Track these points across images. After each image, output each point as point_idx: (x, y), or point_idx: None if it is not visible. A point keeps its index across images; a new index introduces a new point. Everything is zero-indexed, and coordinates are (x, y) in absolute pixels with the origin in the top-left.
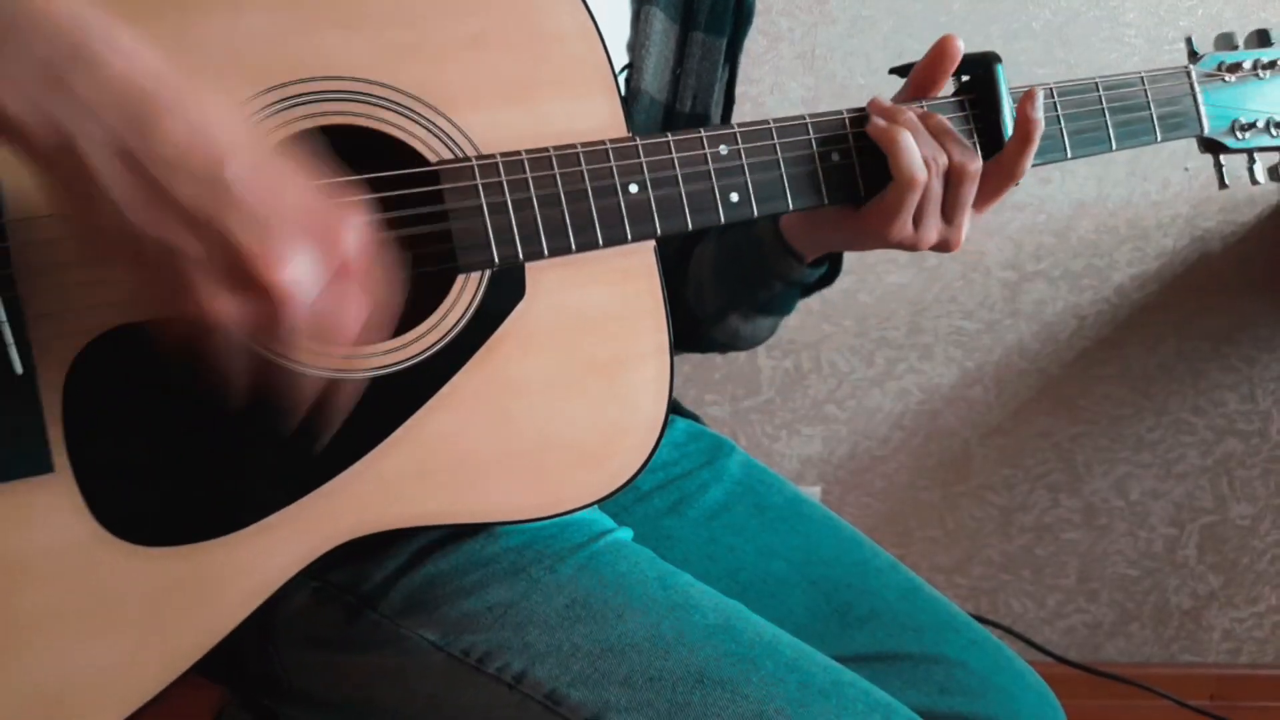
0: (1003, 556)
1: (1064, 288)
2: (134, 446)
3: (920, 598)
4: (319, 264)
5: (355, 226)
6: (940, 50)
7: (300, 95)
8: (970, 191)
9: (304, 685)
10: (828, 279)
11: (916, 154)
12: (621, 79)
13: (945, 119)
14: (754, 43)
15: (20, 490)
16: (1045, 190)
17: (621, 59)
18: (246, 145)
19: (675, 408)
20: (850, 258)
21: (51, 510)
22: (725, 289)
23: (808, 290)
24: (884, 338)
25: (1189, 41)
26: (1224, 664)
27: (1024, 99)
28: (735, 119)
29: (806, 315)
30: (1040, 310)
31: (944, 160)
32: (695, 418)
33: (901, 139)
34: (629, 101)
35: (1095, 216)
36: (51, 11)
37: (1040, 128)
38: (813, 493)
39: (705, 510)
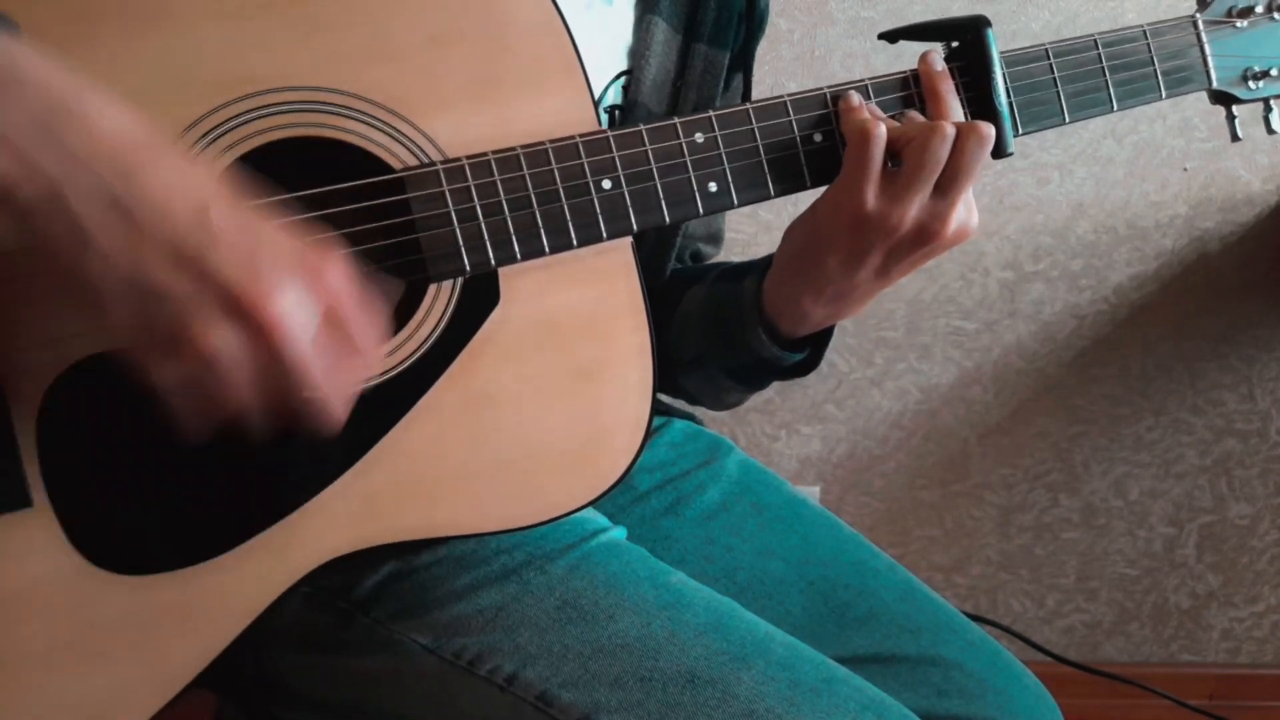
0: (1001, 556)
1: (1062, 288)
2: (112, 476)
3: (918, 598)
4: (308, 297)
5: (336, 262)
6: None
7: (256, 109)
8: (942, 154)
9: (301, 688)
10: (804, 367)
11: (863, 110)
12: (619, 86)
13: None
14: None
15: None
16: (1044, 191)
17: (621, 64)
18: (225, 193)
19: (672, 408)
20: None
21: (32, 545)
22: (704, 340)
23: (783, 375)
24: (882, 338)
25: None
26: (1223, 663)
27: (920, 62)
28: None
29: None
30: (1039, 310)
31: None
32: (693, 418)
33: (852, 96)
34: (626, 111)
35: (1094, 217)
36: (38, 70)
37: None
38: (811, 492)
39: (703, 510)
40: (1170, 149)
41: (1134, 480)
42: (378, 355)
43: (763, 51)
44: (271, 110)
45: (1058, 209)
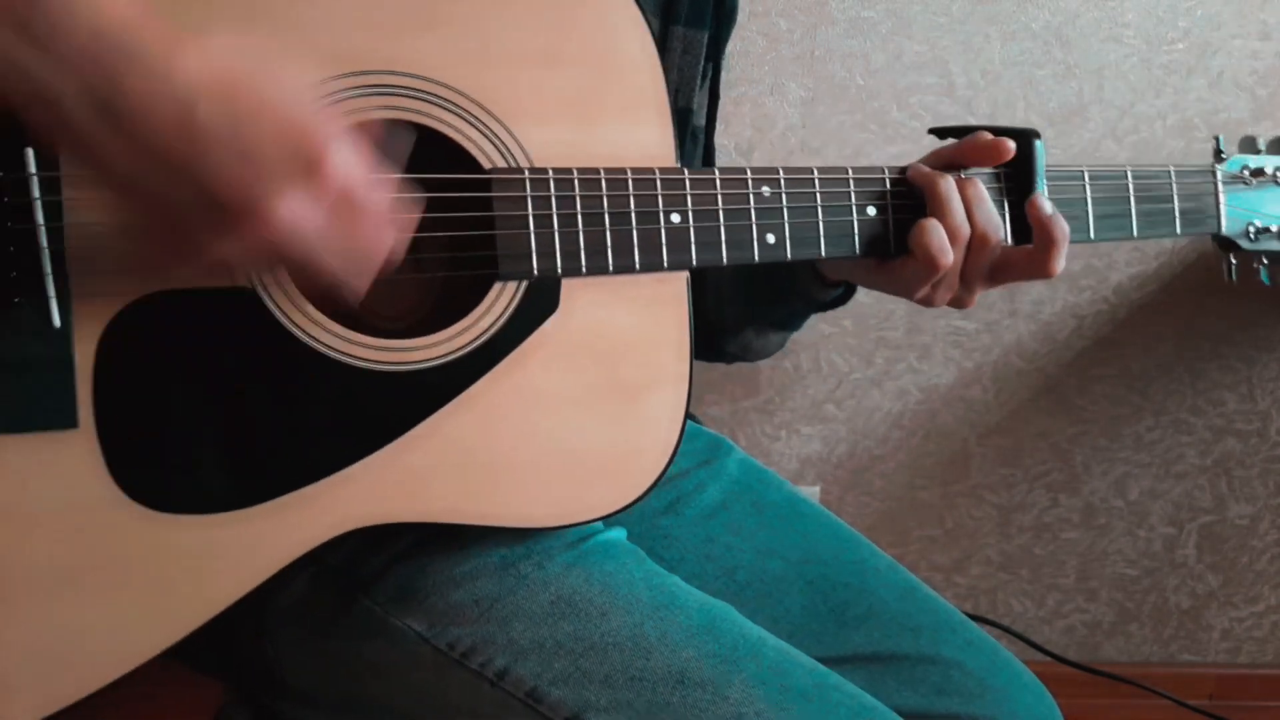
0: (1001, 556)
1: (1062, 288)
2: (160, 413)
3: (917, 598)
4: (310, 195)
5: (340, 148)
6: (993, 150)
7: (367, 86)
8: (986, 263)
9: (299, 679)
10: (842, 299)
11: (943, 236)
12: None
13: (983, 187)
14: (753, 43)
15: (41, 442)
16: None
17: None
18: (218, 83)
19: None
20: None
21: (70, 466)
22: (747, 302)
23: (821, 308)
24: (883, 338)
25: (1216, 140)
26: (1223, 663)
27: (1029, 205)
28: (732, 120)
29: None
30: (1039, 310)
31: (967, 231)
32: (693, 417)
33: (949, 189)
34: None
35: None
36: None
37: (1055, 228)
38: (812, 492)
39: (703, 509)
40: (1170, 149)
41: (1134, 480)
42: (392, 226)
43: (762, 51)
44: (378, 91)
45: None
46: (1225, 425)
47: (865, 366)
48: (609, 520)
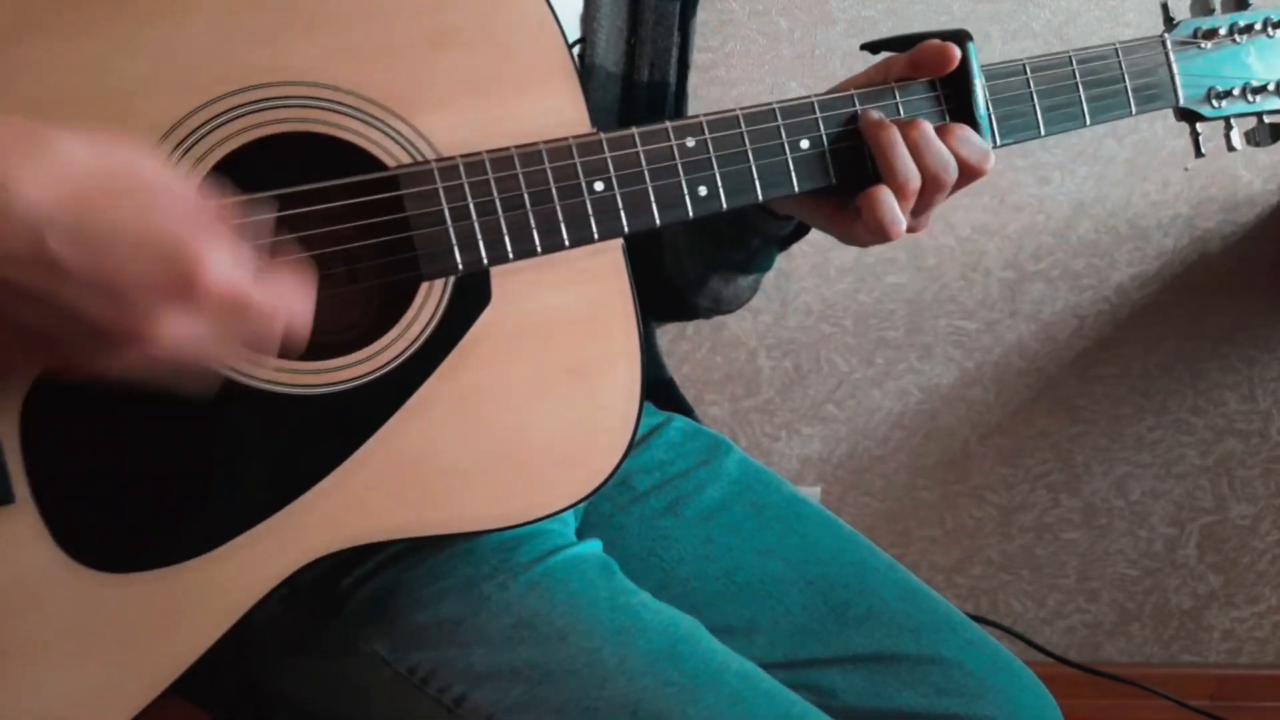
0: (1002, 556)
1: (1063, 288)
2: (96, 474)
3: (918, 598)
4: (190, 312)
5: (215, 251)
6: (936, 55)
7: (252, 103)
8: (941, 198)
9: (285, 690)
10: (802, 229)
11: (894, 206)
12: (575, 54)
13: (928, 128)
14: (753, 43)
15: None
16: (1044, 190)
17: (575, 33)
18: (64, 204)
19: (671, 393)
20: (849, 257)
21: (14, 541)
22: (703, 251)
23: (785, 243)
24: (883, 338)
25: (1164, 7)
26: (1224, 664)
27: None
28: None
29: (806, 315)
30: (1040, 310)
31: (917, 183)
32: (693, 417)
33: (893, 142)
34: (584, 78)
35: (1095, 216)
36: None
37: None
38: (812, 492)
39: (702, 510)
40: (1171, 149)
41: (1135, 480)
42: (288, 310)
43: (762, 50)
44: (266, 105)
45: (1059, 209)
46: (1226, 425)
47: (866, 366)
48: (593, 522)
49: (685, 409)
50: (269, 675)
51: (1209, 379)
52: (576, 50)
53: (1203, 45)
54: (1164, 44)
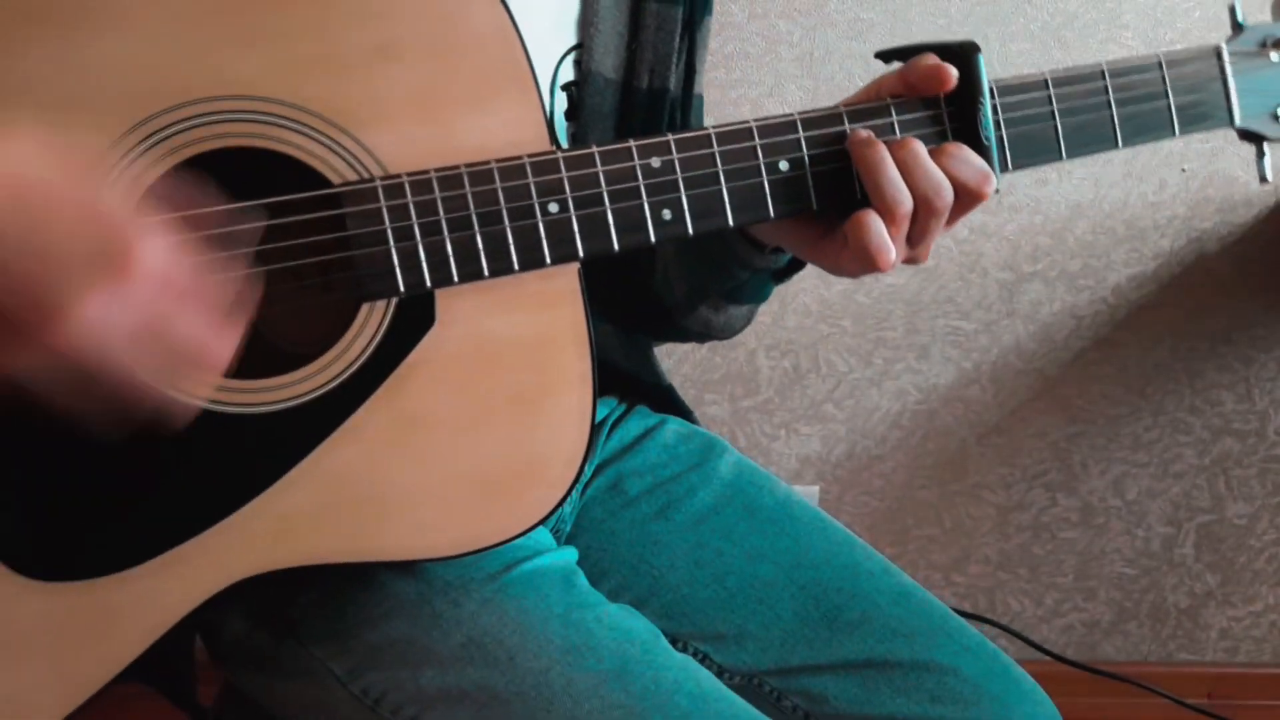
0: (1000, 555)
1: (1061, 288)
2: (23, 483)
3: (912, 602)
4: (118, 296)
5: (154, 238)
6: (933, 75)
7: (193, 117)
8: (936, 224)
9: (263, 705)
10: (799, 263)
11: (882, 232)
12: (570, 60)
13: (919, 146)
14: (753, 45)
15: None
16: (1042, 191)
17: (571, 39)
18: (5, 185)
19: (672, 398)
20: None
21: None
22: (689, 278)
23: (781, 276)
24: (881, 338)
25: (1232, 10)
26: (1221, 663)
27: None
28: (731, 120)
29: (805, 316)
30: (1037, 310)
31: (908, 206)
32: (689, 417)
33: (880, 161)
34: (580, 86)
35: (1092, 217)
36: None
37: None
38: (811, 492)
39: (693, 514)
40: (1168, 150)
41: (1132, 480)
42: (225, 327)
43: (761, 52)
44: (208, 120)
45: (1056, 209)
46: (1223, 425)
47: (864, 366)
48: (585, 526)
49: (684, 413)
50: (247, 690)
51: (1206, 379)
52: (572, 57)
53: (1273, 56)
54: (1219, 55)
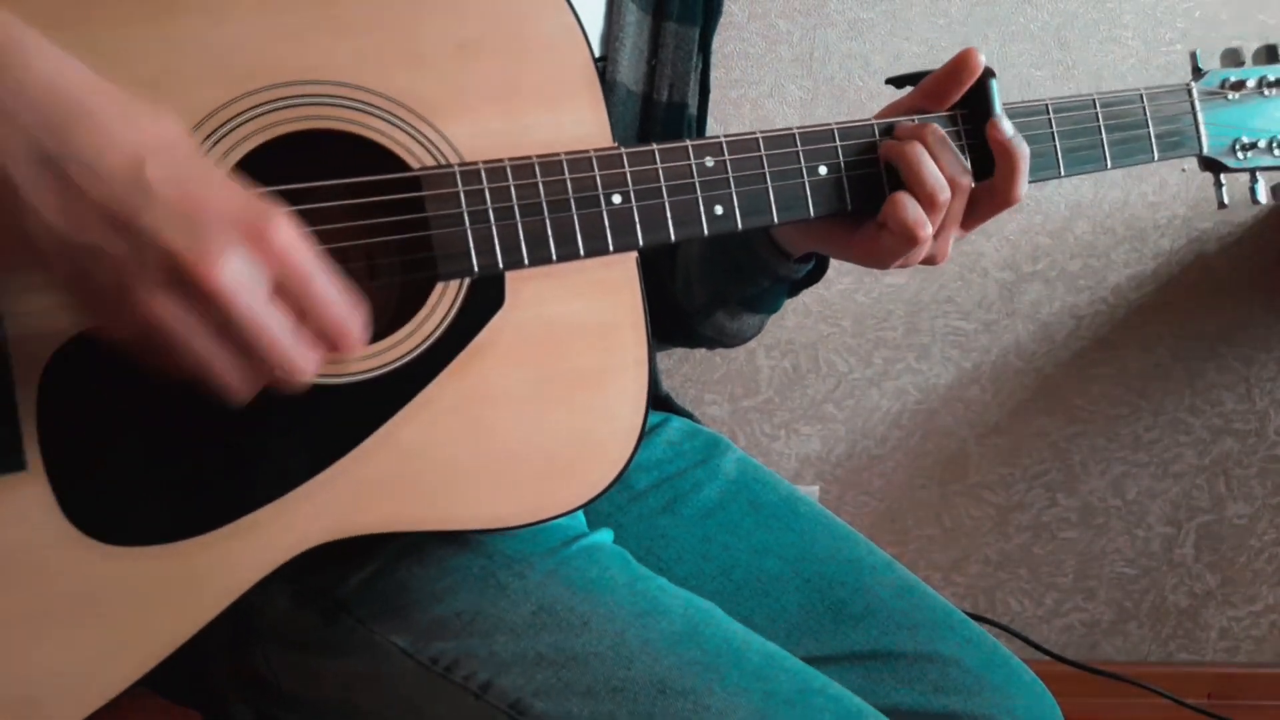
0: (1000, 555)
1: (1061, 288)
2: (109, 446)
3: (915, 596)
4: (254, 260)
5: (284, 224)
6: (962, 62)
7: (282, 99)
8: (960, 207)
9: (293, 688)
10: (815, 275)
11: (917, 207)
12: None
13: (941, 131)
14: (753, 45)
15: None
16: (1042, 191)
17: (596, 51)
18: (169, 146)
19: (669, 404)
20: None
21: (22, 509)
22: (712, 283)
23: (795, 288)
24: (881, 338)
25: (1194, 56)
26: (1221, 663)
27: (989, 128)
28: (732, 121)
29: (805, 316)
30: (1037, 310)
31: (947, 194)
32: (691, 416)
33: (920, 156)
34: (605, 94)
35: (1092, 217)
36: None
37: (1016, 149)
38: (811, 492)
39: (699, 509)
40: None
41: (1132, 480)
42: (344, 311)
43: (761, 53)
44: (295, 102)
45: (1056, 209)
46: (1223, 425)
47: (864, 366)
48: (593, 519)
49: (684, 416)
50: (276, 673)
51: (1206, 379)
52: (599, 66)
53: (1230, 96)
54: (1190, 92)
